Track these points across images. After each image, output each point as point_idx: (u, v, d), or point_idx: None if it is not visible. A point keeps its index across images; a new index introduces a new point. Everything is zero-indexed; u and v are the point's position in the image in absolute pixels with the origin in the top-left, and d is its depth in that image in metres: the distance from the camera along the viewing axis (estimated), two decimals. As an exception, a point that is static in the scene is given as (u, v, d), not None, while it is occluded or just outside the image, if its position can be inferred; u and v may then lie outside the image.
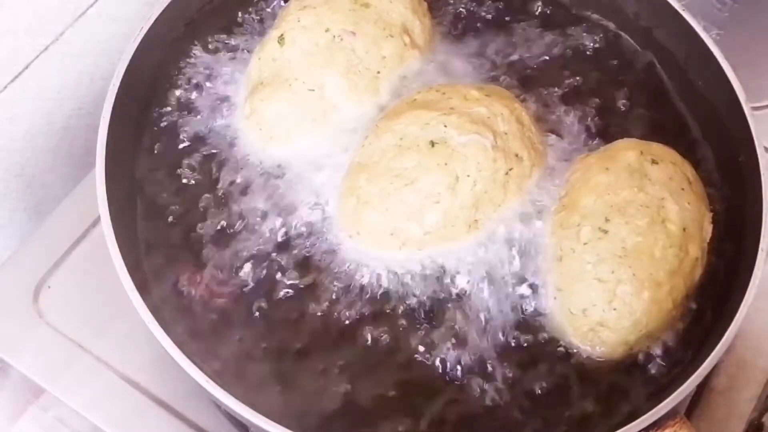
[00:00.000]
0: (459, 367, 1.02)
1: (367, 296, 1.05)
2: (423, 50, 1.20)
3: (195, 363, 0.94)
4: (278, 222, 1.09)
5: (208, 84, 1.18)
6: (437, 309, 1.05)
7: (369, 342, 1.04)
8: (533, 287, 1.06)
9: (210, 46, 1.21)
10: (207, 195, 1.11)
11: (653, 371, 1.03)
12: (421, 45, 1.20)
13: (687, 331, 1.05)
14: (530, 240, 1.08)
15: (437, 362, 1.02)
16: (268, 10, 1.25)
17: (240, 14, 1.24)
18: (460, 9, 1.27)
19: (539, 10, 1.28)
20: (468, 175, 1.05)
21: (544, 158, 1.13)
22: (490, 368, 1.02)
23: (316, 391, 1.01)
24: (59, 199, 1.25)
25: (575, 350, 1.03)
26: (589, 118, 1.18)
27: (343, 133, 1.13)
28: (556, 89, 1.20)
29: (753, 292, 0.99)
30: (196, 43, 1.21)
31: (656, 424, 0.94)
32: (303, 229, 1.09)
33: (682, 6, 1.19)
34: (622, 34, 1.27)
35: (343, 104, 1.13)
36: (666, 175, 1.07)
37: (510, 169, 1.08)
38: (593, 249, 1.03)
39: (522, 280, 1.06)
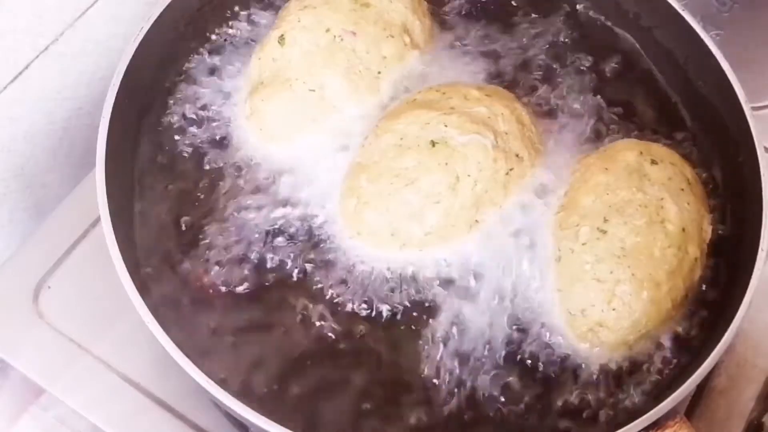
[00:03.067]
0: (458, 367, 1.02)
1: (368, 296, 1.05)
2: (423, 50, 1.20)
3: (195, 363, 0.94)
4: (278, 222, 1.09)
5: (208, 84, 1.18)
6: (437, 309, 1.05)
7: (369, 342, 1.04)
8: (532, 288, 1.06)
9: (210, 46, 1.21)
10: (207, 195, 1.11)
11: (653, 371, 1.03)
12: (422, 45, 1.20)
13: (687, 331, 1.05)
14: (529, 240, 1.08)
15: (436, 362, 1.03)
16: (268, 10, 1.25)
17: (240, 14, 1.24)
18: (460, 8, 1.27)
19: (539, 9, 1.28)
20: (468, 175, 1.05)
21: (544, 158, 1.13)
22: (489, 368, 1.02)
23: (317, 391, 1.01)
24: (59, 199, 1.25)
25: (574, 351, 1.03)
26: (589, 118, 1.18)
27: (343, 134, 1.13)
28: (556, 89, 1.20)
29: (753, 292, 0.99)
30: (196, 43, 1.21)
31: (656, 424, 0.94)
32: (303, 229, 1.09)
33: (682, 6, 1.19)
34: (623, 34, 1.27)
35: (343, 104, 1.13)
36: (665, 176, 1.07)
37: (510, 169, 1.08)
38: (592, 249, 1.03)
39: (521, 280, 1.06)
